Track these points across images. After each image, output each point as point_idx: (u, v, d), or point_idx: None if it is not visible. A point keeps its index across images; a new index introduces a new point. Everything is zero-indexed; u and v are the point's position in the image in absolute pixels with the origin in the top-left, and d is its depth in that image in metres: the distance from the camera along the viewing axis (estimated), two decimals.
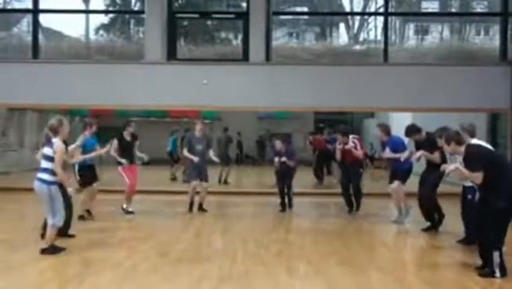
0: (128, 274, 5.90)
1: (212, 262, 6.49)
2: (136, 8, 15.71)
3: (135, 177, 10.14)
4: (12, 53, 13.90)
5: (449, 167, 6.09)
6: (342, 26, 16.99)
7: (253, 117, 24.35)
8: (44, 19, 13.67)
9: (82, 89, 12.50)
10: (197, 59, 13.30)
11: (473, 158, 5.85)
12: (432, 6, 17.42)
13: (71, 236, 7.62)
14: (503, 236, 5.80)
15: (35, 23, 13.20)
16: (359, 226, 9.35)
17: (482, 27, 16.76)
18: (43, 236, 7.12)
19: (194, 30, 15.23)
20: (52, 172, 6.61)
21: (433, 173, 8.35)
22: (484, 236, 5.85)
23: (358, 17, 16.47)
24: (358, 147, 10.23)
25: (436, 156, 8.26)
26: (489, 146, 6.58)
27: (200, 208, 10.37)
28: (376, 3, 15.52)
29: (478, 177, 5.75)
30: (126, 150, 9.89)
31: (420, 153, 8.37)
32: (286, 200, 10.81)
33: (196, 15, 15.01)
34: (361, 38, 16.37)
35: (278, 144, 10.65)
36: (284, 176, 10.74)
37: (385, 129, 9.40)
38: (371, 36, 16.14)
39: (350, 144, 10.14)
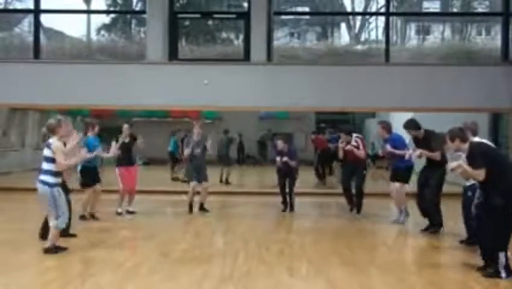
0: (129, 274, 5.90)
1: (213, 262, 6.49)
2: (137, 8, 15.74)
3: (134, 178, 10.14)
4: (14, 53, 13.93)
5: (451, 164, 6.09)
6: (343, 26, 16.99)
7: (255, 117, 24.36)
8: (45, 19, 13.70)
9: (83, 89, 12.51)
10: (198, 59, 13.31)
11: (476, 155, 5.86)
12: (434, 6, 17.42)
13: (73, 235, 7.62)
14: (509, 236, 5.79)
15: (37, 23, 13.22)
16: (361, 226, 9.34)
17: (484, 27, 16.74)
18: (42, 236, 7.12)
19: (195, 30, 15.23)
20: (53, 173, 6.61)
21: (434, 174, 8.34)
22: (488, 237, 5.83)
23: (359, 17, 16.48)
24: (361, 146, 10.22)
25: (436, 155, 8.25)
26: (491, 144, 6.57)
27: (202, 208, 10.36)
28: (378, 3, 15.53)
29: (481, 174, 5.76)
30: (124, 151, 9.87)
31: (419, 152, 8.38)
32: (288, 199, 10.80)
33: (198, 16, 15.02)
34: (362, 38, 16.38)
35: (280, 144, 10.66)
36: (286, 176, 10.74)
37: (387, 126, 9.40)
38: (373, 36, 16.16)
39: (353, 144, 10.14)
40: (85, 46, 14.84)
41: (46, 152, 6.65)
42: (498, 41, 13.33)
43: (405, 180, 9.09)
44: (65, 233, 7.33)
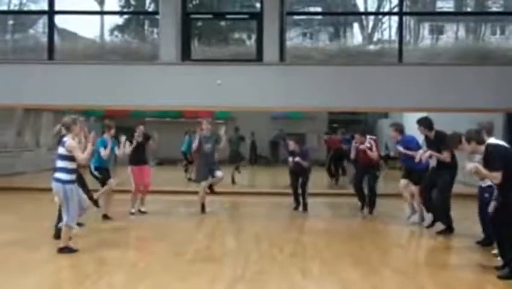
0: (142, 274, 5.93)
1: (225, 262, 6.51)
2: (150, 9, 15.76)
3: (147, 177, 10.19)
4: (28, 54, 14.03)
5: (468, 166, 6.04)
6: (356, 26, 16.89)
7: (267, 117, 24.35)
8: (59, 20, 13.78)
9: (97, 90, 12.58)
10: (211, 60, 13.32)
11: (493, 157, 5.81)
12: (447, 6, 17.23)
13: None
14: None
15: (51, 25, 13.31)
16: (373, 227, 9.30)
17: (498, 26, 16.57)
18: (56, 236, 7.18)
19: (208, 30, 15.24)
20: (67, 171, 6.70)
21: (442, 176, 8.28)
22: (504, 236, 5.78)
23: (372, 17, 16.36)
24: (374, 148, 10.18)
25: (445, 156, 8.22)
26: (507, 145, 6.51)
27: (211, 190, 10.35)
28: (391, 2, 15.42)
29: (497, 176, 5.72)
30: (137, 150, 9.94)
31: (428, 153, 8.34)
32: (300, 199, 10.79)
33: (210, 16, 15.02)
34: (375, 38, 16.26)
35: (292, 144, 10.67)
36: (298, 176, 10.73)
37: (399, 128, 9.37)
38: (386, 36, 16.02)
39: (366, 145, 10.11)
40: (98, 46, 14.91)
41: (60, 150, 6.74)
42: None
43: (418, 181, 9.03)
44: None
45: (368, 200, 10.36)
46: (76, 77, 12.67)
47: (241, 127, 17.85)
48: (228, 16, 15.23)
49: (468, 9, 17.10)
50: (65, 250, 6.73)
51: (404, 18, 13.61)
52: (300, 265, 6.35)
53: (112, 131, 9.39)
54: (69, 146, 6.65)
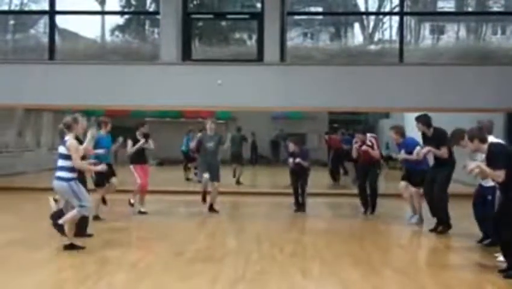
0: (142, 274, 5.93)
1: (226, 262, 6.50)
2: (151, 9, 15.77)
3: (147, 176, 10.21)
4: (29, 54, 14.04)
5: (470, 165, 6.04)
6: (357, 26, 16.88)
7: (267, 117, 24.37)
8: (60, 21, 13.79)
9: (97, 90, 12.59)
10: (211, 60, 13.32)
11: (497, 156, 5.82)
12: (448, 6, 17.22)
13: (89, 235, 7.68)
14: None
15: (52, 25, 13.32)
16: (374, 227, 9.30)
17: (499, 26, 16.56)
18: (61, 232, 7.14)
19: (208, 31, 15.25)
20: (69, 169, 6.72)
21: (441, 172, 8.33)
22: (508, 238, 5.77)
23: (373, 17, 16.36)
24: (375, 146, 10.24)
25: (443, 152, 8.25)
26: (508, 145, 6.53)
27: (211, 209, 10.35)
28: (391, 2, 15.41)
29: (501, 175, 5.72)
30: (138, 150, 9.98)
31: (426, 149, 8.36)
32: (300, 200, 10.79)
33: (211, 16, 15.03)
34: (376, 38, 16.25)
35: (291, 146, 10.69)
36: (299, 176, 10.73)
37: (400, 131, 9.39)
38: (387, 36, 16.01)
39: (367, 143, 10.15)
40: (99, 46, 14.93)
41: (61, 149, 6.76)
42: None
43: (419, 182, 9.02)
44: (81, 233, 7.40)
45: (370, 199, 10.38)
46: (77, 77, 12.68)
47: (242, 127, 17.85)
48: (229, 16, 15.24)
49: (469, 9, 17.08)
50: (70, 247, 6.74)
51: (405, 18, 13.61)
52: (301, 265, 6.35)
53: (109, 127, 9.42)
54: (69, 146, 6.66)
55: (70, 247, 6.81)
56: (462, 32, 16.31)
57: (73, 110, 12.32)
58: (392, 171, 18.73)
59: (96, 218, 9.14)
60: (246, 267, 6.25)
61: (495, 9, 16.65)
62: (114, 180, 9.40)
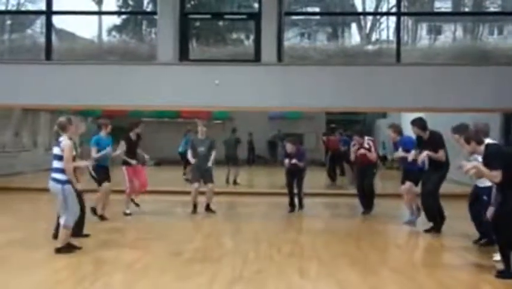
0: (140, 274, 5.93)
1: (224, 262, 6.50)
2: (148, 9, 15.76)
3: (142, 177, 10.19)
4: (26, 54, 14.02)
5: (467, 166, 6.07)
6: (354, 26, 16.91)
7: (265, 117, 24.38)
8: (57, 21, 13.76)
9: (94, 90, 12.56)
10: (209, 60, 13.31)
11: (494, 157, 5.85)
12: (445, 6, 17.26)
13: (86, 235, 7.68)
14: None
15: (49, 25, 13.28)
16: (371, 227, 9.32)
17: (496, 26, 16.60)
18: (55, 236, 7.18)
19: (206, 31, 15.24)
20: (63, 170, 6.69)
21: (436, 172, 8.36)
22: (506, 240, 5.78)
23: (370, 17, 16.39)
24: (373, 149, 10.33)
25: (441, 155, 8.28)
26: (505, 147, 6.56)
27: (208, 209, 10.36)
28: (389, 3, 15.42)
29: (497, 176, 5.74)
30: (130, 150, 9.95)
31: (424, 154, 8.36)
32: (296, 200, 10.81)
33: (208, 16, 15.01)
34: (373, 38, 16.28)
35: (289, 147, 10.70)
36: (295, 177, 10.75)
37: (397, 129, 9.44)
38: (384, 36, 16.04)
39: (365, 146, 10.23)
40: (96, 46, 14.90)
41: (56, 150, 6.74)
42: (510, 41, 13.25)
43: (416, 182, 9.03)
44: (78, 233, 7.40)
45: (367, 199, 10.41)
46: (74, 77, 12.65)
47: (239, 127, 17.85)
48: (226, 16, 15.22)
49: (466, 10, 17.12)
50: (63, 249, 6.72)
51: (402, 18, 13.64)
52: (298, 265, 6.36)
53: (109, 128, 9.39)
54: (63, 146, 6.65)
55: (65, 249, 6.76)
56: (459, 33, 16.34)
57: (70, 110, 12.38)
58: (388, 171, 18.77)
59: (93, 210, 9.12)
60: (244, 266, 6.26)
61: (492, 9, 16.69)
62: (106, 184, 9.30)
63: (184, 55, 13.05)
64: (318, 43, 16.57)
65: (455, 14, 16.63)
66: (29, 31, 15.61)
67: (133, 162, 9.88)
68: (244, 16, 14.86)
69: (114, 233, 8.31)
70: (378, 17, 16.25)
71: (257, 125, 23.83)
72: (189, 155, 10.46)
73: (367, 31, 16.41)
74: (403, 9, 13.77)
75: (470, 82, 12.31)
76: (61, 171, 6.70)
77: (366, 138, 10.49)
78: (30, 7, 15.52)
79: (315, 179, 13.82)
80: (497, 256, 6.10)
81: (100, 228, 8.57)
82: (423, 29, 17.05)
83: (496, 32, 16.71)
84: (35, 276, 5.85)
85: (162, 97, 12.65)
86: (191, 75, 12.67)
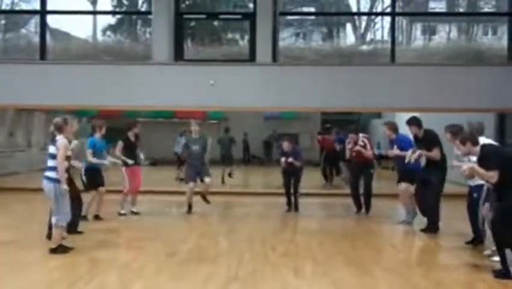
0: (135, 274, 5.92)
1: (219, 262, 6.50)
2: (143, 9, 15.74)
3: (138, 177, 10.17)
4: (20, 54, 13.97)
5: (463, 167, 6.08)
6: (349, 26, 16.93)
7: (260, 117, 24.39)
8: (51, 20, 13.72)
9: (89, 90, 12.54)
10: (204, 60, 13.30)
11: (489, 157, 5.86)
12: (440, 6, 17.31)
13: (80, 232, 7.67)
14: None
15: (43, 24, 13.24)
16: (366, 227, 9.33)
17: (490, 27, 16.66)
18: (49, 236, 7.16)
19: (201, 31, 15.23)
20: (57, 169, 6.68)
21: (434, 174, 8.34)
22: (499, 235, 5.79)
23: (365, 17, 16.42)
24: (368, 146, 10.28)
25: (435, 154, 8.29)
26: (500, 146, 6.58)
27: (203, 198, 10.42)
28: (383, 3, 15.46)
29: (494, 176, 5.76)
30: (129, 150, 9.92)
31: (418, 152, 8.38)
32: (292, 200, 10.81)
33: (203, 16, 15.00)
34: (368, 39, 16.31)
35: (286, 146, 10.68)
36: (291, 176, 10.75)
37: (393, 126, 9.42)
38: (378, 36, 16.06)
39: (360, 144, 10.19)
40: (91, 46, 14.86)
41: (52, 149, 6.74)
42: (504, 41, 13.25)
43: (412, 181, 9.04)
44: (73, 230, 7.40)
45: (364, 200, 10.40)
46: (68, 77, 12.62)
47: (234, 127, 17.85)
48: (221, 16, 15.22)
49: (461, 10, 17.18)
50: (58, 250, 6.71)
51: (397, 18, 13.67)
52: (293, 265, 6.36)
53: (103, 130, 9.34)
54: (59, 145, 6.64)
55: (59, 249, 6.75)
56: (454, 33, 16.39)
57: (65, 110, 12.33)
58: (384, 171, 18.80)
59: (84, 218, 9.06)
60: (239, 266, 6.25)
61: (486, 9, 16.75)
62: (101, 189, 9.25)
63: (178, 55, 13.04)
64: (313, 43, 16.59)
65: (449, 15, 16.69)
66: (23, 31, 15.56)
67: (130, 161, 9.84)
68: (239, 16, 14.86)
69: (109, 234, 8.29)
70: (373, 17, 16.28)
71: (252, 125, 23.85)
72: (182, 153, 10.46)
73: (362, 31, 16.44)
74: (397, 10, 13.80)
75: (464, 82, 12.36)
76: (55, 169, 6.69)
77: (361, 135, 10.47)
78: (24, 6, 15.45)
79: (310, 179, 13.81)
80: (495, 257, 6.12)
81: (95, 228, 8.55)
82: (417, 29, 17.08)
83: (490, 32, 16.77)
84: (30, 276, 5.84)
85: (157, 97, 12.64)
86: (186, 75, 12.66)
